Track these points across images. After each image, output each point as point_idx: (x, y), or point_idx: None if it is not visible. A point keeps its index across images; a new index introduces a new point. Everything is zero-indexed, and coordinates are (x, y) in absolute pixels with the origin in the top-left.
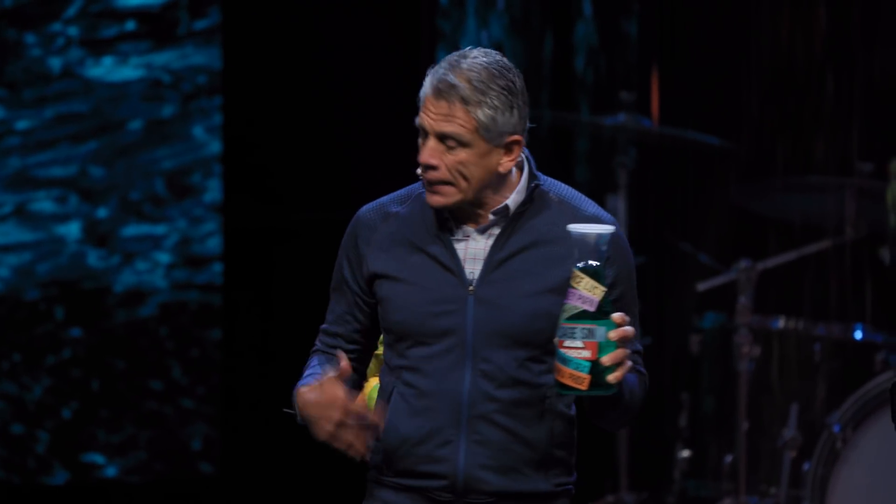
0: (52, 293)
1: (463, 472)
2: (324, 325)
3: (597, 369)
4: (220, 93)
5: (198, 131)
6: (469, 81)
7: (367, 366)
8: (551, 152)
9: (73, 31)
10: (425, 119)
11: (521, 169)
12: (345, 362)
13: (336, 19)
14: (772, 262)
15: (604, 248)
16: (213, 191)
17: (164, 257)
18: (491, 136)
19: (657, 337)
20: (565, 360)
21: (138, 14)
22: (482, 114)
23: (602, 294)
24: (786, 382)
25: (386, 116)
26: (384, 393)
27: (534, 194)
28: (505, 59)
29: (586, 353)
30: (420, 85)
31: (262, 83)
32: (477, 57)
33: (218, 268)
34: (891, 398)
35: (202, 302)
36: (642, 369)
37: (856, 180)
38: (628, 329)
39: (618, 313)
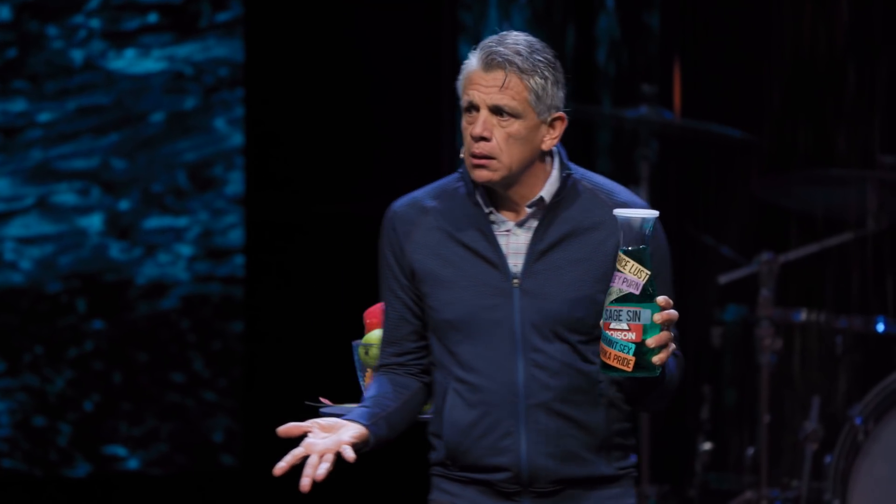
0: (73, 285)
1: (526, 461)
2: (384, 335)
3: (641, 351)
4: (242, 85)
5: (219, 123)
6: (518, 53)
7: (429, 363)
8: (573, 145)
9: (95, 23)
10: (475, 93)
11: (552, 159)
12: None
13: (358, 11)
14: (793, 255)
15: (648, 232)
16: (235, 183)
17: (185, 250)
18: (540, 109)
19: (679, 329)
20: (611, 342)
21: (160, 6)
22: (534, 83)
23: (647, 277)
24: (807, 375)
25: (408, 109)
26: (439, 391)
27: (567, 184)
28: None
29: (631, 336)
30: (442, 77)
31: (284, 75)
32: (518, 35)
33: (240, 260)
34: None
35: (224, 294)
36: (678, 352)
37: (878, 173)
38: (672, 312)
39: (662, 296)
